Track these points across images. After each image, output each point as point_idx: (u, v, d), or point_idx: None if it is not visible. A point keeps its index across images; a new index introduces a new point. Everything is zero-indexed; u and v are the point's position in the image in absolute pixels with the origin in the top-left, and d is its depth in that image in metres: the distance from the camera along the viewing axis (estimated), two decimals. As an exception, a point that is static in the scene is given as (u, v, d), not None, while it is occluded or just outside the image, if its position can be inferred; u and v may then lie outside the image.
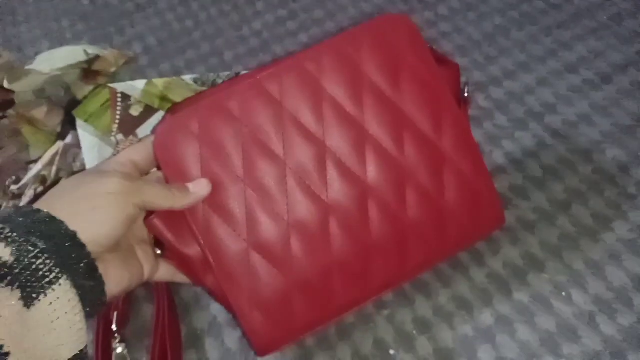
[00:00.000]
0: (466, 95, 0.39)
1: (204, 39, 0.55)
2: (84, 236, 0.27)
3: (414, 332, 0.37)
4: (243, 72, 0.52)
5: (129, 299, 0.40)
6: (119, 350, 0.38)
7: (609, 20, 0.52)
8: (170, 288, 0.39)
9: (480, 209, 0.36)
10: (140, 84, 0.50)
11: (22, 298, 0.24)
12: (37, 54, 0.55)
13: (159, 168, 0.34)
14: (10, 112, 0.50)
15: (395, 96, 0.35)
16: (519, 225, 0.41)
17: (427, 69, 0.36)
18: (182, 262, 0.35)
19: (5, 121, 0.49)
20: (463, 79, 0.39)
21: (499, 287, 0.39)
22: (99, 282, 0.28)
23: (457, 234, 0.36)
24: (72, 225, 0.27)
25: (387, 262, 0.35)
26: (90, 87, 0.51)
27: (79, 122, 0.48)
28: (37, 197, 0.45)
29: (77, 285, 0.26)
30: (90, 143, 0.47)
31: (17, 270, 0.24)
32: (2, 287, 0.23)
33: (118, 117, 0.48)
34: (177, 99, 0.49)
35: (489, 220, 0.38)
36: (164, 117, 0.37)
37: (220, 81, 0.51)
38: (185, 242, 0.34)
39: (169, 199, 0.31)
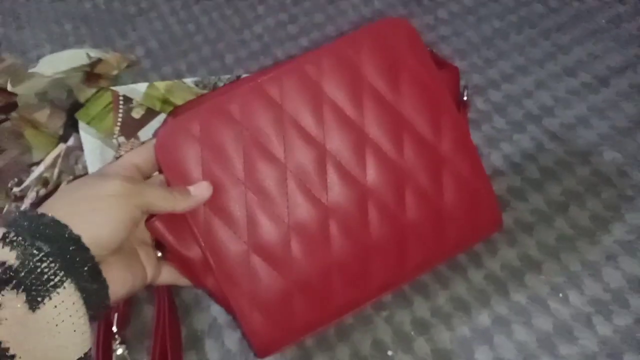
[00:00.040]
0: (465, 98, 0.40)
1: (206, 43, 0.55)
2: (87, 239, 0.27)
3: (412, 333, 0.38)
4: (244, 75, 0.52)
5: (129, 300, 0.40)
6: (120, 351, 0.38)
7: (607, 23, 0.52)
8: (170, 289, 0.39)
9: (479, 211, 0.37)
10: (142, 86, 0.51)
11: (27, 301, 0.24)
12: (39, 57, 0.55)
13: (160, 171, 0.35)
14: (13, 114, 0.50)
15: (394, 99, 0.35)
16: (516, 227, 0.41)
17: (426, 72, 0.36)
18: (183, 264, 0.35)
19: (7, 123, 0.50)
20: (462, 82, 0.40)
21: (496, 288, 0.39)
22: (103, 285, 0.28)
23: (456, 236, 0.36)
24: (76, 229, 0.27)
25: (387, 263, 0.35)
26: (93, 90, 0.51)
27: (81, 125, 0.49)
28: (39, 199, 0.46)
29: (81, 289, 0.26)
30: (92, 145, 0.48)
31: (22, 274, 0.24)
32: (8, 290, 0.24)
33: (120, 119, 0.49)
34: (179, 101, 0.50)
35: (487, 223, 0.38)
36: (165, 120, 0.37)
37: (221, 84, 0.52)
38: (186, 244, 0.34)
39: (171, 202, 0.32)
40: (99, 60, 0.54)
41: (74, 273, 0.26)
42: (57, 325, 0.25)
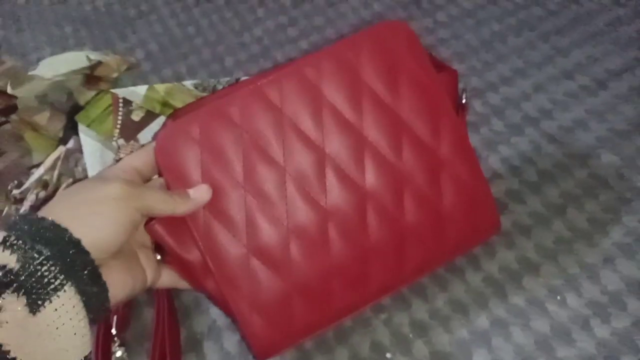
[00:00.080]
0: (464, 101, 0.40)
1: (205, 45, 0.55)
2: (87, 243, 0.27)
3: (411, 335, 0.38)
4: (244, 78, 0.52)
5: (129, 302, 0.40)
6: (119, 354, 0.38)
7: (606, 26, 0.52)
8: (170, 292, 0.39)
9: (477, 214, 0.37)
10: (141, 89, 0.51)
11: (28, 304, 0.24)
12: (39, 59, 0.55)
13: (160, 174, 0.35)
14: (13, 117, 0.50)
15: (394, 102, 0.35)
16: (514, 229, 0.42)
17: (425, 75, 0.36)
18: (183, 267, 0.35)
19: (7, 126, 0.50)
20: (461, 85, 0.40)
21: (494, 291, 0.39)
22: (103, 288, 0.28)
23: (454, 239, 0.37)
24: (76, 232, 0.27)
25: (386, 266, 0.35)
26: (93, 93, 0.51)
27: (81, 127, 0.49)
28: (39, 201, 0.46)
29: (81, 292, 0.26)
30: (92, 148, 0.48)
31: (22, 277, 0.24)
32: (8, 293, 0.24)
33: (119, 122, 0.49)
34: (179, 104, 0.50)
35: (485, 226, 0.38)
36: (165, 123, 0.37)
37: (220, 87, 0.52)
38: (186, 247, 0.34)
39: (170, 205, 0.32)
40: (99, 63, 0.54)
41: (74, 276, 0.26)
42: (57, 328, 0.25)
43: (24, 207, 0.45)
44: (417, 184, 0.35)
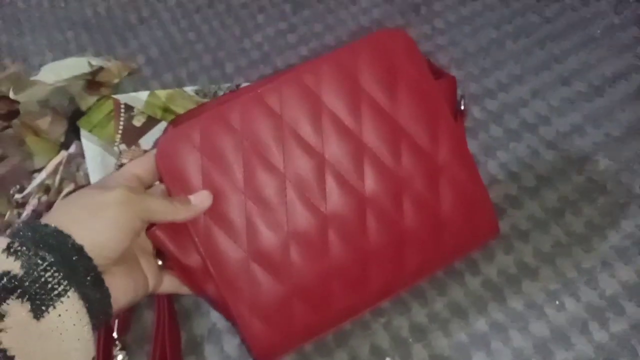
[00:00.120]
0: (462, 107, 0.40)
1: (206, 51, 0.56)
2: (90, 249, 0.28)
3: (410, 339, 0.38)
4: (244, 84, 0.53)
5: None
6: (120, 357, 0.39)
7: (602, 33, 0.53)
8: (170, 295, 0.40)
9: (476, 219, 0.37)
10: (143, 95, 0.51)
11: (32, 310, 0.24)
12: (41, 64, 0.56)
13: (161, 181, 0.35)
14: (15, 121, 0.50)
15: (392, 109, 0.36)
16: (513, 234, 0.42)
17: (424, 81, 0.36)
18: (183, 272, 0.35)
19: (9, 131, 0.50)
20: (459, 92, 0.40)
21: (493, 295, 0.39)
22: (106, 294, 0.29)
23: (453, 243, 0.37)
24: (79, 238, 0.27)
25: (385, 270, 0.36)
26: (94, 98, 0.52)
27: (83, 132, 0.49)
28: (40, 205, 0.46)
29: (84, 297, 0.26)
30: (93, 152, 0.48)
31: (26, 283, 0.25)
32: (13, 299, 0.24)
33: (121, 127, 0.49)
34: (180, 110, 0.50)
35: (484, 230, 0.38)
36: (166, 129, 0.38)
37: (221, 92, 0.52)
38: (187, 252, 0.34)
39: (171, 212, 0.32)
40: (101, 69, 0.54)
41: (77, 282, 0.26)
42: (61, 333, 0.25)
43: (26, 212, 0.46)
44: (416, 189, 0.36)
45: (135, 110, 0.50)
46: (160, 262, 0.36)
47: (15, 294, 0.24)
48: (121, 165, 0.47)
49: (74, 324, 0.25)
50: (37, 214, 0.46)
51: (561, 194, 0.44)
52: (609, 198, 0.43)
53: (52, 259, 0.26)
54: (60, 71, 0.54)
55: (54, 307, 0.25)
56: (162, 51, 0.56)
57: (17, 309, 0.24)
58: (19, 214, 0.46)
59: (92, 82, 0.53)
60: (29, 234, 0.27)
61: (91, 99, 0.52)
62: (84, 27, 0.59)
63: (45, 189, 0.47)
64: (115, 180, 0.33)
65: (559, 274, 0.40)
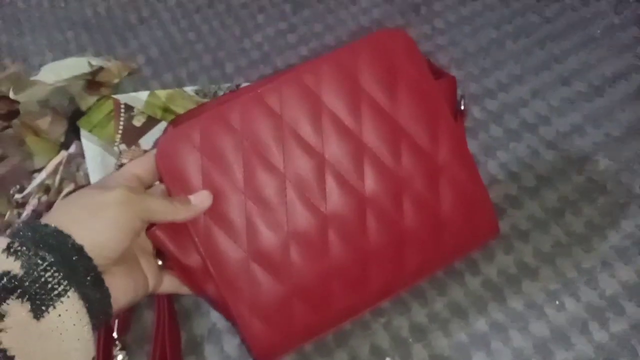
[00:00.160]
0: (462, 107, 0.40)
1: (206, 51, 0.56)
2: (90, 249, 0.28)
3: (410, 339, 0.38)
4: (244, 84, 0.53)
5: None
6: (120, 357, 0.39)
7: (602, 33, 0.53)
8: (170, 295, 0.40)
9: (476, 219, 0.37)
10: (143, 95, 0.51)
11: (32, 310, 0.24)
12: (41, 64, 0.56)
13: (161, 181, 0.35)
14: (15, 121, 0.50)
15: (392, 109, 0.36)
16: (513, 234, 0.42)
17: (424, 81, 0.36)
18: (183, 272, 0.35)
19: (10, 131, 0.50)
20: (459, 92, 0.40)
21: (493, 295, 0.39)
22: (106, 294, 0.29)
23: (453, 243, 0.37)
24: (79, 238, 0.28)
25: (385, 270, 0.36)
26: (94, 98, 0.52)
27: (83, 132, 0.49)
28: (40, 205, 0.46)
29: (84, 297, 0.26)
30: (93, 152, 0.48)
31: (26, 283, 0.25)
32: (13, 299, 0.24)
33: (121, 127, 0.49)
34: (180, 110, 0.50)
35: (484, 230, 0.38)
36: (166, 129, 0.38)
37: (221, 93, 0.52)
38: (186, 252, 0.34)
39: (171, 212, 0.32)
40: (101, 69, 0.54)
41: (77, 282, 0.26)
42: (61, 333, 0.25)
43: (26, 212, 0.46)
44: (416, 189, 0.36)
45: (135, 110, 0.50)
46: (160, 262, 0.36)
47: (15, 294, 0.24)
48: (121, 165, 0.47)
49: (74, 324, 0.25)
50: (37, 214, 0.46)
51: (561, 194, 0.44)
52: (609, 198, 0.43)
53: (52, 259, 0.26)
54: (60, 71, 0.54)
55: (54, 307, 0.25)
56: (162, 51, 0.56)
57: (17, 309, 0.24)
58: (19, 214, 0.46)
59: (92, 82, 0.53)
60: (29, 234, 0.27)
61: (91, 99, 0.52)
62: (84, 27, 0.59)
63: (45, 189, 0.47)
64: (115, 180, 0.33)
65: (559, 274, 0.40)
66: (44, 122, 0.50)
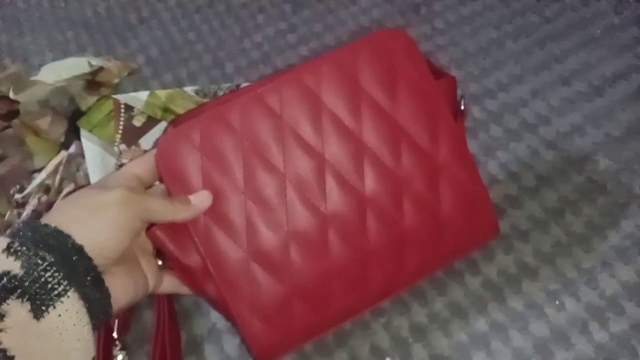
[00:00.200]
0: (462, 108, 0.40)
1: (206, 51, 0.56)
2: (90, 249, 0.28)
3: (410, 339, 0.38)
4: (244, 84, 0.53)
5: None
6: (120, 357, 0.39)
7: (601, 33, 0.53)
8: (170, 295, 0.40)
9: (476, 219, 0.37)
10: (143, 95, 0.51)
11: (32, 310, 0.24)
12: (41, 64, 0.56)
13: (161, 181, 0.35)
14: (15, 121, 0.50)
15: (392, 109, 0.36)
16: (513, 234, 0.42)
17: (424, 81, 0.36)
18: (183, 272, 0.35)
19: (10, 131, 0.50)
20: (459, 92, 0.40)
21: (493, 295, 0.39)
22: (106, 294, 0.29)
23: (453, 243, 0.37)
24: (79, 238, 0.28)
25: (385, 270, 0.36)
26: (94, 98, 0.52)
27: (83, 132, 0.49)
28: (40, 205, 0.46)
29: (84, 297, 0.26)
30: (93, 152, 0.48)
31: (26, 283, 0.25)
32: (13, 299, 0.24)
33: (121, 127, 0.49)
34: (180, 110, 0.50)
35: (484, 230, 0.38)
36: (166, 129, 0.38)
37: (221, 93, 0.52)
38: (186, 252, 0.34)
39: (171, 212, 0.32)
40: (101, 69, 0.54)
41: (77, 282, 0.26)
42: (61, 333, 0.25)
43: (26, 212, 0.46)
44: (416, 189, 0.36)
45: (135, 110, 0.50)
46: (160, 262, 0.36)
47: (15, 294, 0.24)
48: (121, 165, 0.47)
49: (74, 324, 0.25)
50: (37, 214, 0.46)
51: (561, 194, 0.44)
52: (609, 198, 0.43)
53: (52, 259, 0.26)
54: (60, 71, 0.54)
55: (54, 307, 0.25)
56: (162, 51, 0.56)
57: (17, 309, 0.24)
58: (19, 214, 0.46)
59: (92, 82, 0.53)
60: (29, 234, 0.27)
61: (91, 99, 0.52)
62: (84, 27, 0.59)
63: (45, 189, 0.47)
64: (115, 180, 0.33)
65: (559, 274, 0.40)
66: (44, 122, 0.50)
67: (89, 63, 0.55)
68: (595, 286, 0.39)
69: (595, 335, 0.37)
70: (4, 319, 0.24)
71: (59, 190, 0.47)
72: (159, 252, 0.36)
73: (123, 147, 0.48)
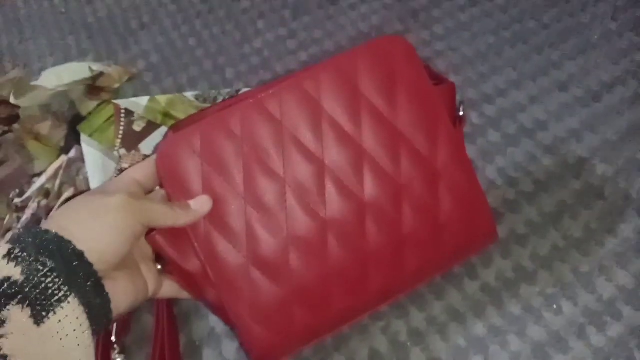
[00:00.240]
0: (461, 113, 0.40)
1: (207, 57, 0.56)
2: (90, 254, 0.28)
3: (408, 343, 0.38)
4: (244, 89, 0.53)
5: (129, 310, 0.40)
6: (118, 361, 0.39)
7: (599, 39, 0.53)
8: (170, 299, 0.40)
9: (474, 224, 0.37)
10: (143, 100, 0.52)
11: (33, 315, 0.24)
12: (42, 68, 0.56)
13: (161, 186, 0.35)
14: (16, 126, 0.51)
15: (392, 115, 0.36)
16: (511, 238, 0.42)
17: (423, 87, 0.37)
18: (183, 277, 0.35)
19: (10, 135, 0.50)
20: (458, 98, 0.40)
21: (491, 299, 0.40)
22: (106, 299, 0.29)
23: (452, 248, 0.37)
24: (79, 244, 0.28)
25: (384, 274, 0.36)
26: (95, 103, 0.52)
27: (83, 137, 0.49)
28: (40, 209, 0.46)
29: (85, 303, 0.27)
30: (93, 157, 0.48)
31: (27, 289, 0.25)
32: (13, 305, 0.24)
33: (121, 132, 0.49)
34: (180, 115, 0.50)
35: (482, 235, 0.39)
36: (166, 134, 0.38)
37: (221, 98, 0.52)
38: (186, 257, 0.35)
39: (171, 217, 0.32)
40: (101, 74, 0.55)
41: (77, 288, 0.26)
42: (61, 339, 0.25)
43: (26, 216, 0.46)
44: (415, 195, 0.36)
45: (135, 115, 0.51)
46: (160, 267, 0.36)
47: (16, 300, 0.24)
48: (121, 170, 0.47)
49: (74, 330, 0.25)
50: (36, 218, 0.46)
51: (559, 199, 0.44)
52: (606, 203, 0.43)
53: (53, 265, 0.26)
54: (61, 76, 0.54)
55: (55, 313, 0.25)
56: (163, 56, 0.57)
57: (18, 315, 0.24)
58: (19, 218, 0.46)
59: (93, 87, 0.54)
60: (30, 239, 0.27)
61: (92, 104, 0.52)
62: (85, 32, 0.60)
63: (45, 193, 0.47)
64: (116, 185, 0.33)
65: (556, 278, 0.40)
66: (44, 127, 0.50)
67: (90, 68, 0.55)
68: (593, 290, 0.39)
69: (593, 340, 0.37)
70: (5, 324, 0.24)
71: (59, 195, 0.47)
72: (159, 257, 0.36)
73: (123, 151, 0.48)
